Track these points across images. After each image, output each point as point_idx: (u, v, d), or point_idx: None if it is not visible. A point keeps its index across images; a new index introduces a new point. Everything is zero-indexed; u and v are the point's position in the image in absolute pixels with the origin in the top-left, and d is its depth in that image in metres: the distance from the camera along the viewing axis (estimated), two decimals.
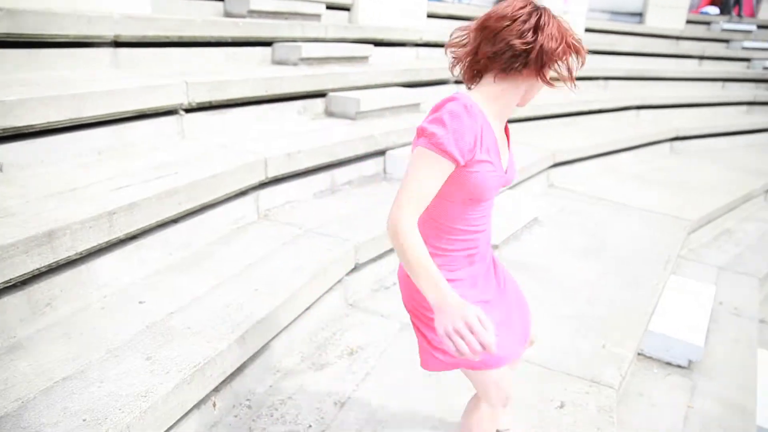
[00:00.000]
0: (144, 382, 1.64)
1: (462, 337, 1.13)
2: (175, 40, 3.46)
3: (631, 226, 4.08)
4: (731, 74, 9.02)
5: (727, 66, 9.43)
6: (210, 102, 3.10)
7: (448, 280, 1.28)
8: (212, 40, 3.69)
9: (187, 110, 3.01)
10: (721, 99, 8.15)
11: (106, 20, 3.05)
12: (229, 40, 3.81)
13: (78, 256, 1.96)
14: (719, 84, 8.83)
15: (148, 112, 2.80)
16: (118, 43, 3.17)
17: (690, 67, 8.95)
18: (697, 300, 3.40)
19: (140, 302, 2.06)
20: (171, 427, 1.74)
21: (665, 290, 3.39)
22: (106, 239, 2.04)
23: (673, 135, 6.64)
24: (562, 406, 2.13)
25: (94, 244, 1.99)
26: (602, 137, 5.67)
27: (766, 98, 8.67)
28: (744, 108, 8.47)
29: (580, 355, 2.46)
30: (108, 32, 3.07)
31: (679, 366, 2.97)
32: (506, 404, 1.65)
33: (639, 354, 3.01)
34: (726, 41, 10.31)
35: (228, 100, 3.21)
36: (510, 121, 4.75)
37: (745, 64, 9.70)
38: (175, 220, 2.41)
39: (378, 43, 4.94)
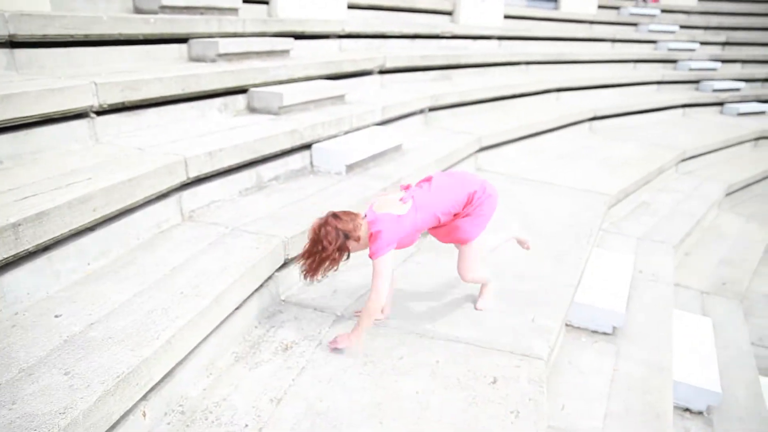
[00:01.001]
0: (62, 398, 1.56)
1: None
2: (81, 39, 3.28)
3: (555, 203, 4.25)
4: (641, 56, 9.55)
5: (636, 48, 9.97)
6: (123, 103, 2.96)
7: None
8: (122, 39, 3.52)
9: (99, 112, 2.86)
10: (633, 79, 8.62)
11: None
12: (141, 38, 3.65)
13: None
14: (631, 65, 9.33)
15: (54, 116, 2.65)
16: (14, 44, 2.96)
17: (604, 50, 9.39)
18: (618, 270, 3.60)
19: (56, 316, 1.96)
20: None
21: (588, 263, 3.56)
22: (13, 252, 1.91)
23: (592, 115, 6.96)
24: (494, 382, 2.19)
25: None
26: (526, 120, 5.87)
27: (673, 77, 9.24)
28: (654, 87, 8.99)
29: (511, 330, 2.54)
30: (1, 32, 2.86)
31: (604, 333, 3.14)
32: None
33: (567, 325, 3.15)
34: (634, 25, 10.89)
35: (143, 101, 3.08)
36: (437, 108, 5.00)
37: (652, 45, 10.28)
38: (91, 228, 2.29)
39: (299, 36, 4.88)
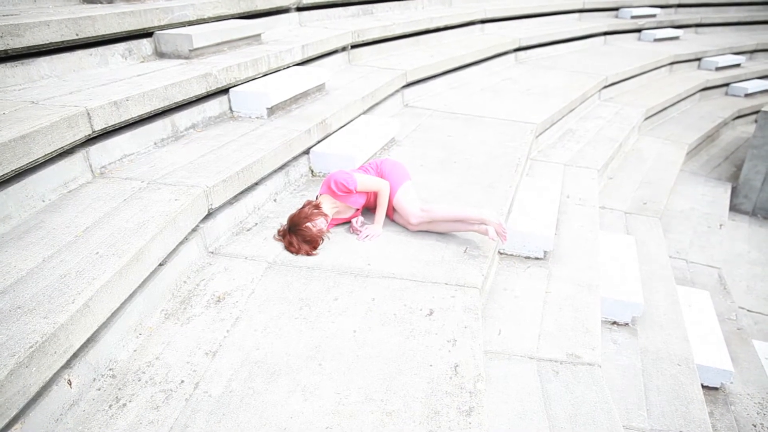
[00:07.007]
0: None
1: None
2: None
3: (483, 135, 4.27)
4: None
5: None
6: (6, 51, 2.65)
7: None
8: None
9: None
10: (555, 8, 8.63)
11: None
12: None
13: None
14: None
15: None
16: None
17: None
18: (546, 196, 3.68)
19: None
20: (15, 418, 1.57)
21: (518, 191, 3.63)
22: None
23: (517, 45, 6.95)
24: (431, 313, 2.21)
25: None
26: (451, 53, 5.79)
27: (593, 5, 9.34)
28: (576, 15, 9.07)
29: (445, 262, 2.56)
30: None
31: (536, 258, 3.23)
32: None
33: (500, 253, 3.22)
34: None
35: (31, 48, 2.77)
36: (360, 45, 4.91)
37: None
38: None
39: None
